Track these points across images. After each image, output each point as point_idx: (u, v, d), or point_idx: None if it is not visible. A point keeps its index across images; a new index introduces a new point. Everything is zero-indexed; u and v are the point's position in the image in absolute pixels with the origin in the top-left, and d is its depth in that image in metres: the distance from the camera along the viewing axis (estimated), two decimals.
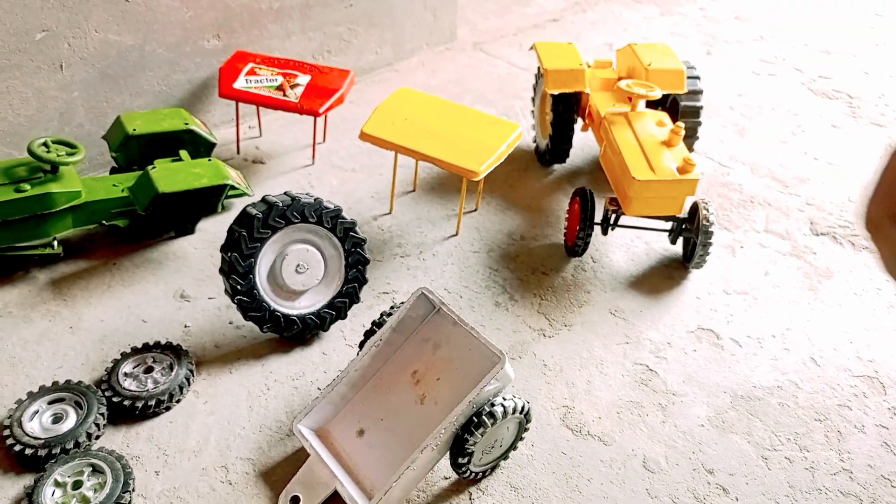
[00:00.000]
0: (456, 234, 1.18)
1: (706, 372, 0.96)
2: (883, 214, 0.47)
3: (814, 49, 1.89)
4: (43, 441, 0.79)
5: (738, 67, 1.79)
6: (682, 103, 1.27)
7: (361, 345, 0.87)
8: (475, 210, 1.24)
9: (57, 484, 0.75)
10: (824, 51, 1.88)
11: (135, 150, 1.13)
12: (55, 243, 1.04)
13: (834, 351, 1.00)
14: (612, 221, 1.12)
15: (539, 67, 1.34)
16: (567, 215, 1.15)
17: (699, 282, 1.11)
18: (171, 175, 1.04)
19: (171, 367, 0.89)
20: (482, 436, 0.74)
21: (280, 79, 1.28)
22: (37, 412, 0.83)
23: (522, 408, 0.77)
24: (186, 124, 1.15)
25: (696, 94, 1.27)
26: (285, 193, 0.91)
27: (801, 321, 1.05)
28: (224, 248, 0.90)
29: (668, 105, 1.31)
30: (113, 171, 1.17)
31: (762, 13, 2.09)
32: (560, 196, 1.29)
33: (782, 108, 1.62)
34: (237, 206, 1.20)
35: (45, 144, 1.01)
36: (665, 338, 1.01)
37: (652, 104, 1.25)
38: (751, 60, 1.82)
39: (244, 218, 0.89)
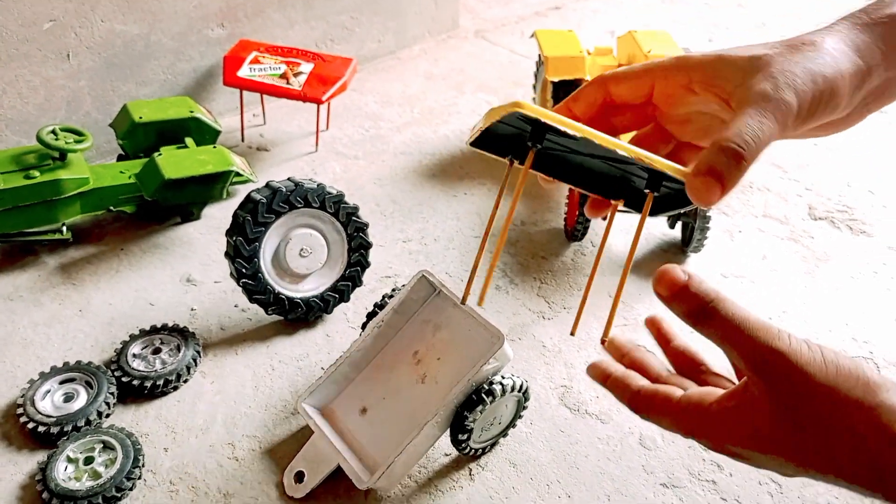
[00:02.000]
0: (457, 220, 1.20)
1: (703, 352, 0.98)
2: None
3: None
4: (55, 419, 0.81)
5: None
6: None
7: (364, 326, 0.89)
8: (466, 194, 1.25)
9: (69, 460, 0.78)
10: None
11: (141, 138, 1.15)
12: (64, 229, 1.06)
13: (829, 332, 1.02)
14: None
15: (539, 55, 1.35)
16: (567, 201, 1.17)
17: (697, 266, 1.13)
18: (177, 161, 1.06)
19: (178, 349, 0.91)
20: (481, 413, 0.76)
21: (283, 67, 1.30)
22: (48, 391, 0.85)
23: (521, 386, 0.79)
24: (192, 112, 1.17)
25: None
26: (289, 179, 0.93)
27: (798, 304, 1.07)
28: (229, 233, 0.92)
29: None
30: (119, 158, 1.19)
31: (764, 0, 2.10)
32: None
33: None
34: (241, 192, 1.22)
35: (53, 132, 1.03)
36: None
37: None
38: None
39: (248, 203, 0.91)
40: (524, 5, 2.01)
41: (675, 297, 0.44)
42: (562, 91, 1.27)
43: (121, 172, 1.10)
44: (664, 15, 1.98)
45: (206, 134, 1.19)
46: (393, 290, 0.89)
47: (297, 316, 0.96)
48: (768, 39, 0.48)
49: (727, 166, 0.41)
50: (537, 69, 1.40)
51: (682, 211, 0.78)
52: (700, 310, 0.43)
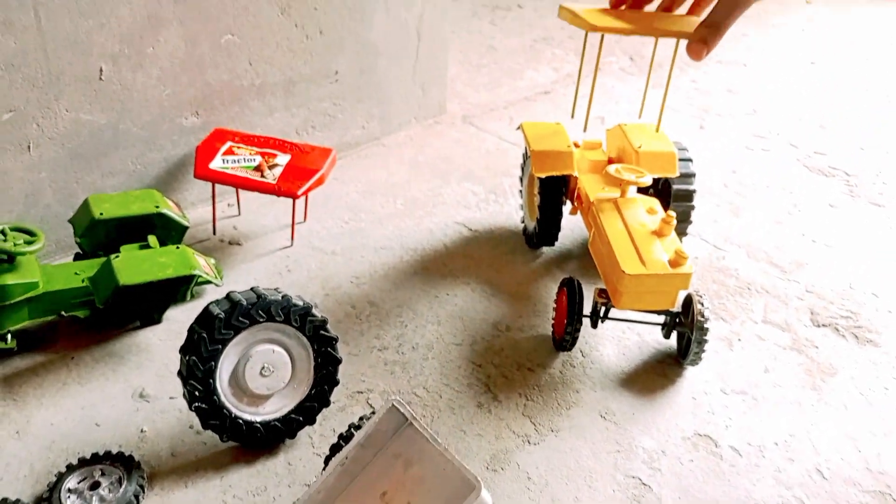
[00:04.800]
0: (438, 325, 1.12)
1: (703, 486, 0.89)
2: None
3: (808, 123, 1.86)
4: None
5: (731, 142, 1.76)
6: (675, 187, 1.23)
7: (327, 460, 0.80)
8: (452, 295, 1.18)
9: None
10: (819, 125, 1.86)
11: (101, 235, 1.08)
12: (9, 337, 0.98)
13: (841, 461, 0.93)
14: (601, 314, 1.06)
15: (526, 148, 1.30)
16: (555, 305, 1.09)
17: (695, 380, 1.05)
18: (134, 265, 0.99)
19: (119, 482, 0.82)
20: None
21: (258, 158, 1.24)
22: None
23: None
24: (157, 207, 1.11)
25: (688, 177, 1.23)
26: (251, 290, 0.85)
27: (805, 426, 0.98)
28: (183, 350, 0.83)
29: (661, 187, 1.27)
30: (77, 256, 1.11)
31: (754, 86, 2.08)
32: (548, 282, 1.23)
33: (777, 185, 1.59)
34: (209, 291, 1.14)
35: (2, 232, 0.95)
36: (659, 445, 0.94)
37: (643, 188, 1.21)
38: (744, 135, 1.79)
39: (205, 317, 0.83)
40: (513, 90, 1.99)
41: None
42: (549, 188, 1.21)
43: (75, 274, 1.02)
44: (655, 100, 1.95)
45: (172, 230, 1.12)
46: (360, 418, 0.81)
47: (257, 442, 0.87)
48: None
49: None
50: (524, 161, 1.35)
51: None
52: None
